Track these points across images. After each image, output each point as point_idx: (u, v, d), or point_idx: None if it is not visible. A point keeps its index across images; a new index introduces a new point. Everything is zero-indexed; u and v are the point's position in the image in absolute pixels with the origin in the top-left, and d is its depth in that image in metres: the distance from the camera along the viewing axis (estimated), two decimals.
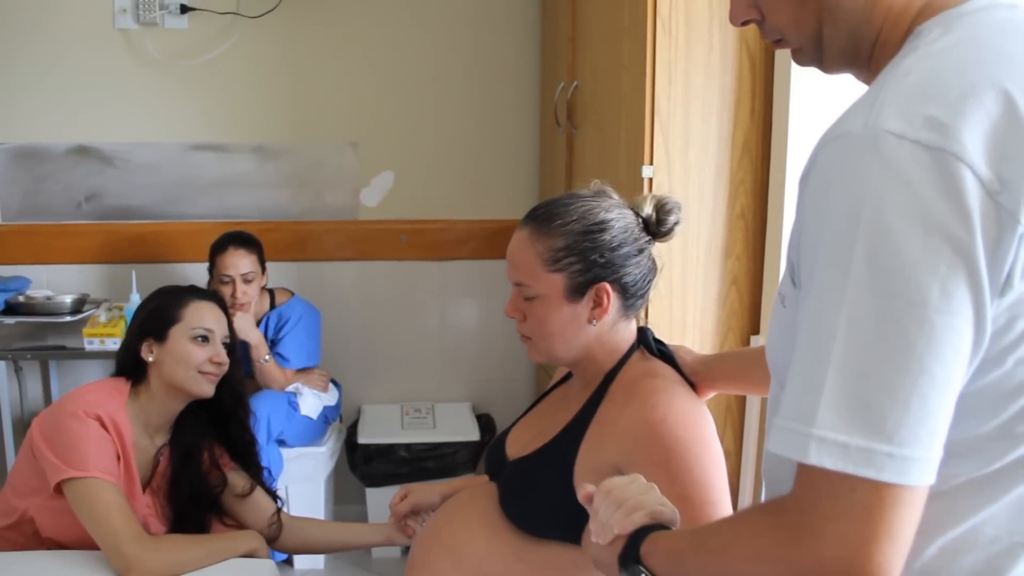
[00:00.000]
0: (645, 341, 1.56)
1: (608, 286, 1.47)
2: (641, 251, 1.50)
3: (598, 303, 1.48)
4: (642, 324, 1.60)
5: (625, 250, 1.47)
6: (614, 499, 1.06)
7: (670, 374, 1.51)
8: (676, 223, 1.53)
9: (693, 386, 1.55)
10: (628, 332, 1.55)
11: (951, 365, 0.77)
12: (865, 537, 0.76)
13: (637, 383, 1.47)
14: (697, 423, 1.41)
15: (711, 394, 1.59)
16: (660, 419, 1.38)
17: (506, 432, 1.71)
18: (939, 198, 0.76)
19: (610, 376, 1.52)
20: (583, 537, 1.12)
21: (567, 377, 1.70)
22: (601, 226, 1.47)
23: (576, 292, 1.47)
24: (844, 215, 0.79)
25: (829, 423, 0.77)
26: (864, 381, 0.77)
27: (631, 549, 1.01)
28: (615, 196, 1.54)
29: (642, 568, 1.00)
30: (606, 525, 1.05)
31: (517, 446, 1.61)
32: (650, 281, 1.54)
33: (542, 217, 1.50)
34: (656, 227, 1.52)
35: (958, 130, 0.76)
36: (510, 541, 1.51)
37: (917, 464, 0.76)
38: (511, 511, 1.52)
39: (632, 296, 1.51)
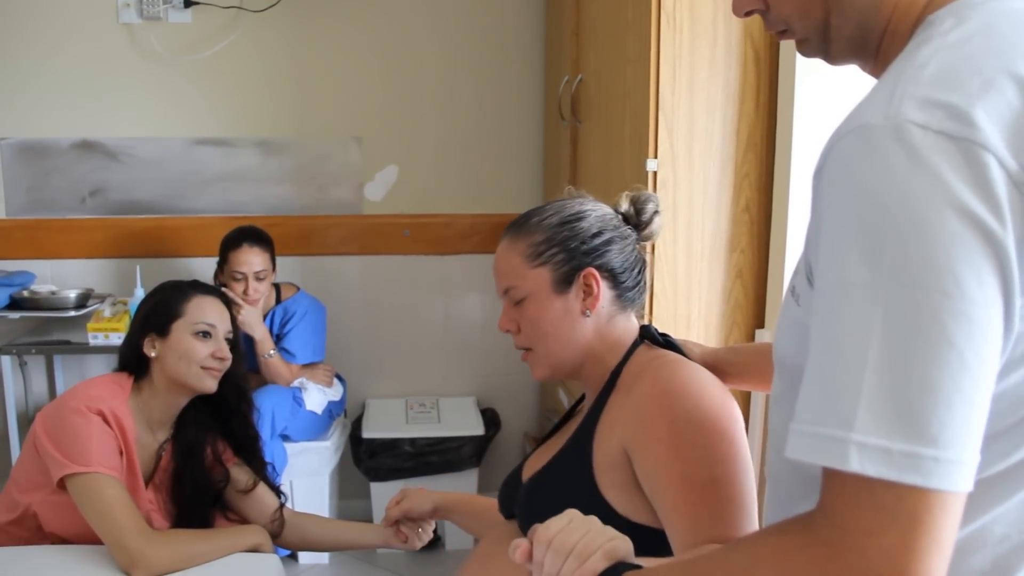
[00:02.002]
0: (649, 335, 1.50)
1: (595, 271, 1.43)
2: (624, 238, 1.48)
3: (588, 291, 1.44)
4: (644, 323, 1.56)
5: (606, 236, 1.45)
6: (557, 547, 0.97)
7: (679, 357, 1.44)
8: (655, 212, 1.51)
9: None
10: (629, 326, 1.50)
11: (989, 360, 0.73)
12: (911, 548, 0.72)
13: (645, 367, 1.41)
14: (703, 392, 1.32)
15: None
16: (662, 390, 1.32)
17: (519, 468, 1.62)
18: (968, 187, 0.73)
19: (617, 371, 1.45)
20: None
21: (577, 405, 1.63)
22: (578, 215, 1.46)
23: (563, 283, 1.44)
24: (869, 208, 0.76)
25: (869, 427, 0.72)
26: (904, 381, 0.72)
27: None
28: (590, 197, 1.54)
29: None
30: None
31: (530, 471, 1.53)
32: (640, 271, 1.50)
33: (519, 222, 1.50)
34: (636, 219, 1.51)
35: (981, 119, 0.74)
36: None
37: (961, 467, 0.72)
38: None
39: (623, 284, 1.47)
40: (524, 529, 1.43)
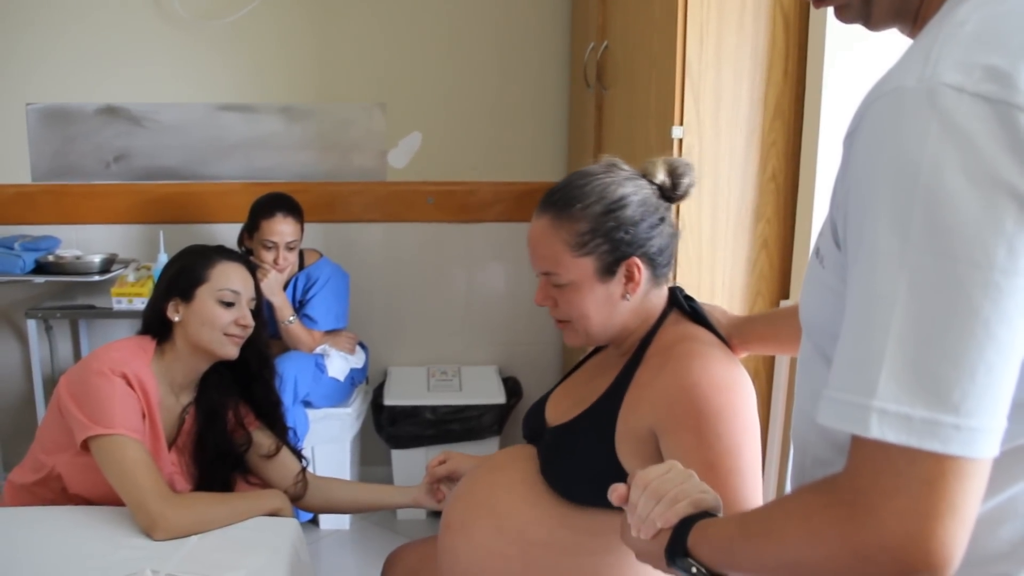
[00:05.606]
0: (677, 302, 1.57)
1: (637, 260, 1.47)
2: (662, 219, 1.50)
3: (630, 278, 1.48)
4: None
5: (647, 222, 1.48)
6: (653, 491, 1.03)
7: (706, 337, 1.50)
8: (690, 185, 1.53)
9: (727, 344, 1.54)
10: (660, 296, 1.56)
11: (1018, 329, 0.72)
12: (927, 512, 0.72)
13: (673, 347, 1.46)
14: (731, 388, 1.39)
15: (743, 355, 1.58)
16: (694, 383, 1.38)
17: (544, 398, 1.71)
18: (1003, 153, 0.71)
19: (646, 341, 1.52)
20: (621, 532, 1.08)
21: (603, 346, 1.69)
22: (621, 202, 1.47)
23: (607, 271, 1.48)
24: (900, 175, 0.75)
25: (891, 394, 0.73)
26: (927, 349, 0.73)
27: (678, 541, 0.98)
28: (626, 168, 1.53)
29: (692, 561, 0.96)
30: (648, 519, 1.02)
31: (556, 412, 1.62)
32: (675, 246, 1.55)
33: (560, 202, 1.49)
34: (671, 192, 1.52)
35: (1022, 79, 0.72)
36: (553, 506, 1.51)
37: (983, 435, 0.72)
38: (553, 479, 1.52)
39: (660, 264, 1.52)
40: (543, 466, 1.54)
